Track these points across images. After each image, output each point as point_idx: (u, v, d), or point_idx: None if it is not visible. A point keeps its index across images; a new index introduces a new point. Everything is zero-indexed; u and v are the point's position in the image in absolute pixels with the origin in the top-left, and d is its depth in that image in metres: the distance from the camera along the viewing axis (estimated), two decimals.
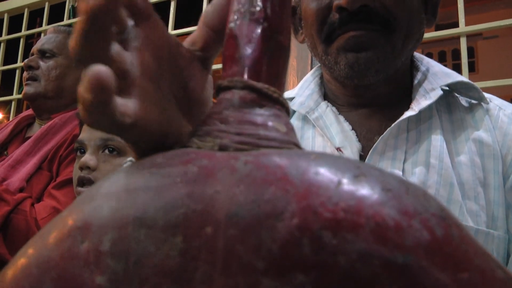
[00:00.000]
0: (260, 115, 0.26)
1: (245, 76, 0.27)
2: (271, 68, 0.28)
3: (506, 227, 0.55)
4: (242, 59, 0.28)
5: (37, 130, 1.33)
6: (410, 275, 0.19)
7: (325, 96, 0.69)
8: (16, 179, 1.16)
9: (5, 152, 1.30)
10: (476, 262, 0.20)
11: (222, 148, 0.25)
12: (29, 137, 1.31)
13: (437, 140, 0.57)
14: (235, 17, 0.29)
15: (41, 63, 1.36)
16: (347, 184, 0.21)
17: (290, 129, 0.27)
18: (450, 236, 0.20)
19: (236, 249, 0.20)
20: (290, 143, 0.26)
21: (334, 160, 0.23)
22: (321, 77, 0.72)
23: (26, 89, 1.35)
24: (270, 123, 0.26)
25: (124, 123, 0.23)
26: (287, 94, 0.72)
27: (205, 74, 0.30)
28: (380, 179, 0.22)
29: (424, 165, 0.56)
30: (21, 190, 1.15)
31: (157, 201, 0.22)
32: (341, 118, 0.63)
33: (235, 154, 0.23)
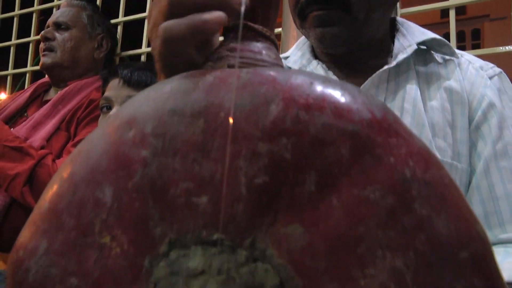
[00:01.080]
0: (257, 46, 0.36)
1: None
2: (264, 15, 0.38)
3: (469, 161, 0.65)
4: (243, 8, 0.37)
5: (53, 95, 1.44)
6: (356, 138, 0.28)
7: (316, 56, 0.79)
8: (37, 138, 1.26)
9: (25, 114, 1.40)
10: (404, 134, 0.30)
11: (230, 66, 0.35)
12: (46, 101, 1.42)
13: (412, 89, 0.67)
14: None
15: (57, 35, 1.46)
16: (316, 84, 0.30)
17: (278, 57, 0.37)
18: (386, 118, 0.30)
19: (241, 126, 0.30)
20: (278, 65, 0.35)
21: (309, 73, 0.32)
22: None
23: (43, 59, 1.45)
24: (264, 52, 0.36)
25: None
26: (283, 54, 0.82)
27: None
28: (340, 83, 0.31)
29: (399, 110, 0.65)
30: (42, 148, 1.25)
31: (185, 99, 0.32)
32: (330, 73, 0.73)
33: (240, 69, 0.33)
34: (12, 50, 2.09)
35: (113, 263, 0.32)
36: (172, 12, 0.34)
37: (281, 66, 0.36)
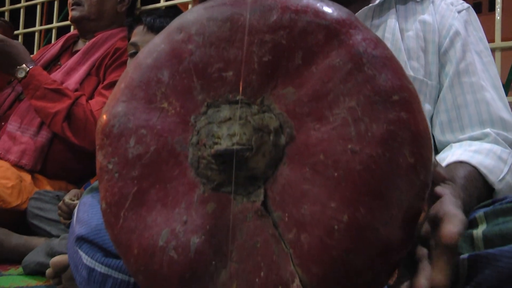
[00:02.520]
0: None
1: None
2: None
3: (438, 79, 0.80)
4: None
5: (82, 45, 1.60)
6: (328, 29, 0.44)
7: None
8: (71, 82, 1.43)
9: (59, 63, 1.57)
10: (361, 28, 0.45)
11: None
12: (76, 51, 1.58)
13: (392, 22, 0.82)
14: None
15: None
16: None
17: None
18: (349, 17, 0.45)
19: (254, 25, 0.45)
20: None
21: None
22: None
23: (72, 13, 1.61)
24: None
25: None
26: None
27: None
28: None
29: (381, 38, 0.80)
30: (75, 91, 1.42)
31: (217, 11, 0.48)
32: None
33: None
34: (38, 8, 2.25)
35: (170, 120, 0.48)
36: None
37: None
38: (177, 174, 0.47)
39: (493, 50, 1.26)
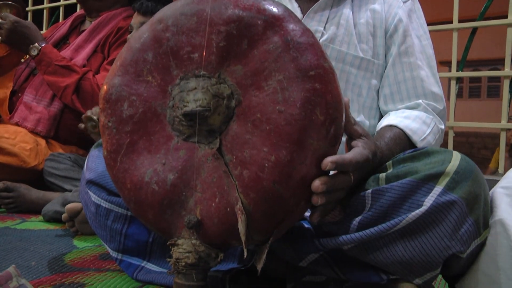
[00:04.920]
0: None
1: None
2: None
3: (384, 59, 0.96)
4: None
5: (88, 25, 1.75)
6: (266, 22, 0.60)
7: None
8: (80, 58, 1.59)
9: (68, 42, 1.73)
10: (293, 21, 0.61)
11: None
12: (83, 30, 1.74)
13: (347, 11, 0.96)
14: None
15: None
16: None
17: None
18: (283, 13, 0.61)
19: (213, 19, 0.61)
20: None
21: None
22: None
23: None
24: None
25: None
26: None
27: None
28: None
29: (336, 25, 0.95)
30: (83, 66, 1.59)
31: (187, 7, 0.64)
32: (293, 0, 1.02)
33: None
34: None
35: (153, 90, 0.65)
36: None
37: None
38: (159, 129, 0.64)
39: (450, 30, 1.41)
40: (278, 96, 0.58)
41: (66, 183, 1.38)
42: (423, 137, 0.82)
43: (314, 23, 0.95)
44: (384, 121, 0.86)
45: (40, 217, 1.33)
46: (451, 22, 1.41)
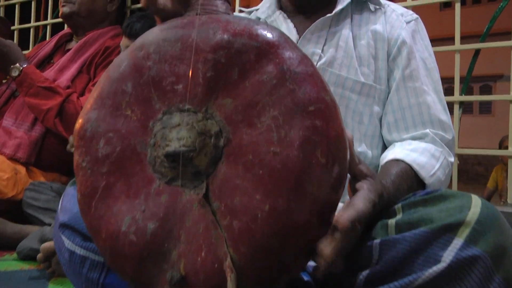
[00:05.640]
0: (214, 3, 0.61)
1: None
2: None
3: (387, 84, 0.89)
4: None
5: (74, 44, 1.68)
6: (259, 49, 0.53)
7: (281, 7, 1.01)
8: (64, 79, 1.52)
9: (52, 61, 1.66)
10: (289, 48, 0.54)
11: (197, 14, 0.59)
12: (69, 49, 1.66)
13: (346, 31, 0.90)
14: None
15: None
16: (241, 22, 0.55)
17: (228, 8, 0.61)
18: (278, 39, 0.54)
19: (199, 45, 0.54)
20: (226, 13, 0.60)
21: (240, 16, 0.57)
22: None
23: (63, 9, 1.68)
24: (218, 5, 0.60)
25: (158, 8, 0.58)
26: (255, 7, 1.05)
27: None
28: (256, 22, 0.56)
29: (335, 46, 0.89)
30: (67, 88, 1.51)
31: (171, 32, 0.57)
32: (288, 20, 0.95)
33: (201, 15, 0.58)
34: (33, 4, 2.33)
35: (132, 125, 0.57)
36: None
37: (228, 13, 0.60)
38: (138, 170, 0.56)
39: (452, 52, 1.35)
40: (273, 135, 0.51)
41: (47, 215, 1.29)
42: (432, 172, 0.75)
43: (311, 45, 0.88)
44: (389, 154, 0.79)
45: (15, 255, 1.23)
46: (453, 38, 1.34)
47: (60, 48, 1.72)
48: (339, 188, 0.53)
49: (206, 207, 0.52)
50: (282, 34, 0.55)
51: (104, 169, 0.57)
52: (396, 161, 0.75)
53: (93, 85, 1.50)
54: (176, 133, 0.54)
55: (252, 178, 0.50)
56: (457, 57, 1.34)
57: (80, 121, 0.59)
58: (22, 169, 1.43)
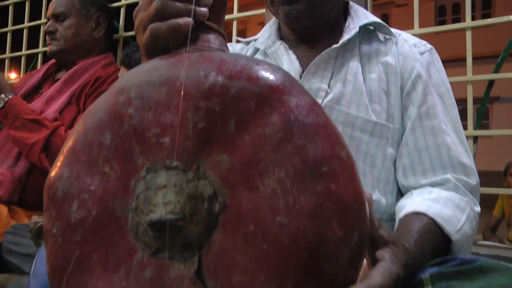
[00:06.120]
0: (207, 37, 0.52)
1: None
2: (215, 14, 0.54)
3: (401, 122, 0.80)
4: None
5: (64, 73, 1.60)
6: (260, 96, 0.44)
7: (281, 37, 0.93)
8: (51, 111, 1.43)
9: (40, 91, 1.57)
10: (295, 93, 0.45)
11: (186, 51, 0.50)
12: (58, 79, 1.58)
13: (354, 64, 0.82)
14: None
15: (58, 26, 1.62)
16: (239, 61, 0.46)
17: (223, 44, 0.53)
18: (283, 82, 0.45)
19: (189, 90, 0.45)
20: (220, 50, 0.51)
21: (236, 54, 0.48)
22: (279, 24, 0.96)
23: (50, 48, 1.63)
24: (211, 40, 0.52)
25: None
26: (253, 37, 0.97)
27: None
28: (256, 60, 0.47)
29: (343, 81, 0.80)
30: (55, 120, 1.42)
31: (156, 74, 0.48)
32: (290, 51, 0.87)
33: (191, 53, 0.49)
34: (25, 32, 2.25)
35: (111, 185, 0.48)
36: (157, 17, 0.50)
37: (223, 50, 0.52)
38: (118, 239, 0.47)
39: (464, 83, 1.26)
40: (278, 202, 0.41)
41: (28, 263, 1.18)
42: (458, 227, 0.66)
43: (316, 80, 0.80)
44: (407, 204, 0.69)
45: None
46: (449, 60, 1.26)
47: (49, 77, 1.64)
48: (358, 263, 0.43)
49: (199, 286, 0.43)
50: (287, 75, 0.47)
51: (78, 237, 0.48)
52: (417, 214, 0.66)
53: None
54: (162, 196, 0.45)
55: (255, 254, 0.41)
56: (470, 89, 1.25)
57: (50, 178, 0.50)
58: (3, 209, 1.33)
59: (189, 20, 0.50)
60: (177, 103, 0.46)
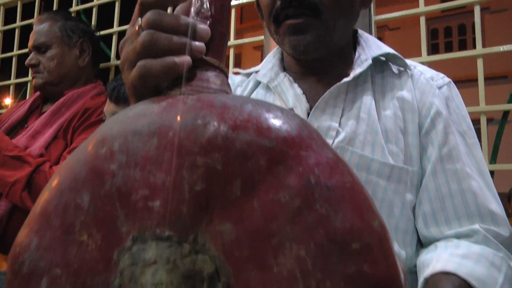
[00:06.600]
0: (206, 75, 0.44)
1: None
2: (214, 47, 0.45)
3: (420, 164, 0.72)
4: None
5: (51, 106, 1.52)
6: (272, 152, 0.36)
7: (284, 68, 0.85)
8: (36, 147, 1.34)
9: (26, 125, 1.48)
10: (315, 148, 0.37)
11: (181, 93, 0.42)
12: (45, 112, 1.49)
13: (367, 100, 0.74)
14: (193, 14, 0.46)
15: (40, 58, 1.54)
16: (245, 108, 0.38)
17: (225, 83, 0.44)
18: (300, 134, 0.37)
19: (184, 143, 0.37)
20: (222, 91, 0.43)
21: (241, 97, 0.40)
22: (282, 53, 0.88)
23: (34, 81, 1.56)
24: (210, 79, 0.43)
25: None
26: (254, 68, 0.90)
27: None
28: (266, 106, 0.39)
29: (355, 119, 0.72)
30: (41, 156, 1.33)
31: (143, 121, 0.40)
32: (295, 85, 0.79)
33: (187, 96, 0.41)
34: (14, 60, 2.17)
35: (89, 257, 0.39)
36: (146, 53, 0.42)
37: (225, 91, 0.43)
38: None
39: (477, 113, 1.19)
40: (297, 286, 0.33)
41: None
42: None
43: (326, 117, 0.72)
44: (433, 261, 0.60)
45: None
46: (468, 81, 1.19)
47: (35, 110, 1.56)
48: None
49: None
50: (303, 124, 0.39)
51: None
52: (447, 274, 0.57)
53: (69, 152, 1.32)
54: (152, 274, 0.36)
55: None
56: (483, 120, 1.17)
57: (14, 247, 0.42)
58: None
59: (186, 58, 0.42)
60: (169, 159, 0.38)
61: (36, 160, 1.27)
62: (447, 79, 0.78)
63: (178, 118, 0.39)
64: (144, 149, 0.39)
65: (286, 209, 0.34)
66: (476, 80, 1.20)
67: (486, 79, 1.22)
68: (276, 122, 0.37)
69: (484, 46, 1.20)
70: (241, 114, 0.38)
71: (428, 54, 1.27)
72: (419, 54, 1.29)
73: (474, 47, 1.22)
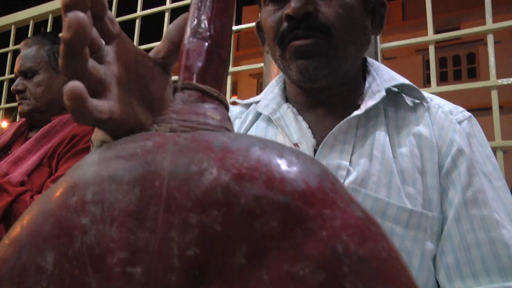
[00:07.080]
0: (202, 108, 0.36)
1: (194, 80, 0.37)
2: (213, 74, 0.38)
3: (440, 208, 0.64)
4: (192, 67, 0.37)
5: (37, 131, 1.43)
6: (287, 211, 0.28)
7: (287, 99, 0.78)
8: (17, 173, 1.25)
9: (9, 152, 1.40)
10: (340, 204, 0.29)
11: (172, 130, 0.34)
12: (31, 138, 1.41)
13: (381, 135, 0.66)
14: (188, 35, 0.38)
15: (27, 84, 1.46)
16: (252, 152, 0.30)
17: (225, 118, 0.37)
18: (321, 187, 0.29)
19: (174, 195, 0.29)
20: (222, 127, 0.35)
21: (247, 136, 0.32)
22: (284, 83, 0.81)
23: (20, 108, 1.47)
24: (208, 113, 0.36)
25: (101, 118, 0.32)
26: (254, 98, 0.82)
27: (166, 78, 0.40)
28: (279, 149, 0.31)
29: (368, 157, 0.65)
30: (22, 183, 1.24)
31: (124, 165, 0.32)
32: (300, 118, 0.72)
33: (179, 134, 0.33)
34: (5, 84, 2.10)
35: None
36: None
37: (225, 127, 0.36)
38: None
39: (494, 149, 1.12)
40: None
41: None
42: None
43: (335, 155, 0.64)
44: None
45: None
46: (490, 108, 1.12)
47: (20, 136, 1.47)
48: None
49: None
50: (326, 173, 0.31)
51: None
52: None
53: (52, 181, 1.23)
54: None
55: None
56: (500, 155, 1.10)
57: None
58: None
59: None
60: (155, 214, 0.30)
61: (16, 189, 1.18)
62: (467, 113, 0.71)
63: (167, 163, 0.31)
64: (123, 201, 0.31)
65: (305, 285, 0.26)
66: (479, 109, 1.14)
67: (484, 109, 1.16)
68: (291, 170, 0.30)
69: (478, 77, 1.14)
70: (247, 159, 0.30)
71: (424, 85, 1.20)
72: (415, 84, 1.24)
73: (469, 78, 1.16)
